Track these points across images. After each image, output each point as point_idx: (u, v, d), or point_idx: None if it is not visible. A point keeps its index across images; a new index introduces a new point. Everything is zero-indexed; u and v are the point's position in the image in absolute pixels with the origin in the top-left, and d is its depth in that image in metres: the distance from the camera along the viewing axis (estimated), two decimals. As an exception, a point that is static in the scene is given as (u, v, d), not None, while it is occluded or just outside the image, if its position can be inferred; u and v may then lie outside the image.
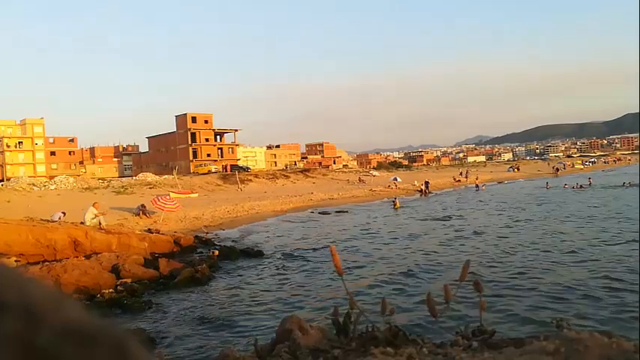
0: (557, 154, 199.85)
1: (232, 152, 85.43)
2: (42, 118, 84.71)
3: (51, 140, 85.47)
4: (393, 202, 34.96)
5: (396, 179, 54.73)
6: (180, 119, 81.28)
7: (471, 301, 7.69)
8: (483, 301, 1.79)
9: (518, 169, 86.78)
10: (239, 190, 46.97)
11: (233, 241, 20.57)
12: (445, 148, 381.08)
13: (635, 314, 8.89)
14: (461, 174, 66.33)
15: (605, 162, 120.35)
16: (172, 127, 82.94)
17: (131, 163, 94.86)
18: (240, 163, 77.38)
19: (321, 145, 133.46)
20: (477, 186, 50.15)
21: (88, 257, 14.42)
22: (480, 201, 37.43)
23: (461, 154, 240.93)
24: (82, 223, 18.41)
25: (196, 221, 26.48)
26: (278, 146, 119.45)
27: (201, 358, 8.14)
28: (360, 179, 61.26)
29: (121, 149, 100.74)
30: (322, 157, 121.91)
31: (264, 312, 10.55)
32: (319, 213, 31.91)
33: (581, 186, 44.07)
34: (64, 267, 12.57)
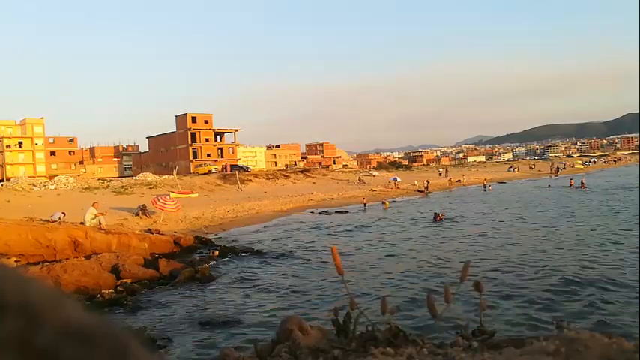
0: (557, 154, 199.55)
1: (232, 152, 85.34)
2: (42, 118, 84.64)
3: (51, 140, 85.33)
4: (364, 205, 35.65)
5: (395, 179, 54.75)
6: (180, 119, 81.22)
7: (472, 302, 7.69)
8: (483, 301, 1.79)
9: (517, 170, 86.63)
10: (239, 190, 46.95)
11: (233, 241, 20.58)
12: (445, 148, 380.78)
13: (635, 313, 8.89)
14: (440, 174, 66.40)
15: (605, 162, 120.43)
16: (172, 127, 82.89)
17: (131, 163, 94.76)
18: (240, 163, 77.26)
19: (321, 145, 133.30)
20: (484, 186, 50.12)
21: (88, 257, 14.41)
22: (483, 201, 37.47)
23: (461, 154, 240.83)
24: (82, 223, 18.40)
25: (196, 221, 26.48)
26: (278, 146, 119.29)
27: (202, 358, 8.14)
28: (360, 179, 61.25)
29: (121, 149, 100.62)
30: (322, 157, 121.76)
31: (264, 312, 10.55)
32: (319, 213, 31.92)
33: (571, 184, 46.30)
34: (64, 267, 12.57)
